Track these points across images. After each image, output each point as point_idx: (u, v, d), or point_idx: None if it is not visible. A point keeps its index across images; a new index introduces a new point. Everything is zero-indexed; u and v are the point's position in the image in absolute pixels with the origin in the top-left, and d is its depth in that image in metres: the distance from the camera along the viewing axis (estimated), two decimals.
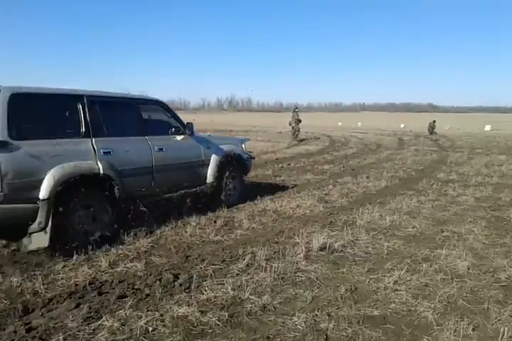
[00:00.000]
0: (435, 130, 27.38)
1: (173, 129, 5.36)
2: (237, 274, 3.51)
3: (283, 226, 4.96)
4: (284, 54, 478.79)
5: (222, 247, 4.19)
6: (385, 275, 3.45)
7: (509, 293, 3.17)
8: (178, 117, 5.55)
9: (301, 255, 3.90)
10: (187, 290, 3.16)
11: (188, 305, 2.89)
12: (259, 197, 6.46)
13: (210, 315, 2.76)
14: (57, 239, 3.77)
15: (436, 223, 5.20)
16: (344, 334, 2.56)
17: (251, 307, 2.91)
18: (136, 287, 3.21)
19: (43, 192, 3.70)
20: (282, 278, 3.44)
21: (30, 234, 3.69)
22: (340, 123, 48.35)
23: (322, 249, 4.11)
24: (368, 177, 8.72)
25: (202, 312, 2.81)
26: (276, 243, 4.33)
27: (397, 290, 3.20)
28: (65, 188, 3.82)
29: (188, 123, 5.50)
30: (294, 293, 3.16)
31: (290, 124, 19.87)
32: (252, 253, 3.97)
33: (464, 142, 19.85)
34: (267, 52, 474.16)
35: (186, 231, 4.66)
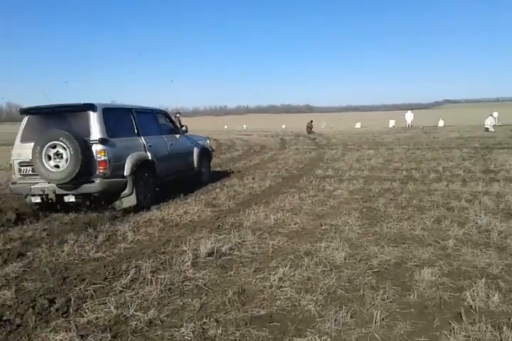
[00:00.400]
0: (313, 129, 29.17)
1: (173, 130, 8.15)
2: (121, 291, 3.35)
3: (170, 235, 4.87)
4: (166, 58, 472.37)
5: (104, 264, 3.97)
6: (270, 274, 3.56)
7: (381, 278, 3.47)
8: (174, 122, 8.47)
9: (189, 263, 3.85)
10: (64, 315, 2.93)
11: (66, 331, 2.68)
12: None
13: (91, 339, 2.59)
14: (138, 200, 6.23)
15: (316, 217, 5.51)
16: (232, 338, 2.58)
17: (136, 324, 2.79)
18: (4, 318, 2.89)
19: (127, 171, 6.14)
20: (169, 289, 3.36)
21: (122, 198, 6.08)
22: (226, 127, 49.20)
23: (210, 254, 4.11)
24: (253, 179, 8.96)
25: (82, 336, 2.62)
26: (163, 253, 4.23)
27: (281, 287, 3.32)
28: (136, 168, 6.26)
29: (181, 125, 8.72)
30: (181, 303, 3.11)
31: None
32: (136, 267, 3.82)
33: (338, 139, 21.44)
34: (143, 55, 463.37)
35: (63, 251, 4.34)
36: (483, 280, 3.24)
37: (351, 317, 2.81)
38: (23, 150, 6.07)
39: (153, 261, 3.95)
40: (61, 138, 5.65)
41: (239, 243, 4.48)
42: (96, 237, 4.83)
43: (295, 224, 5.19)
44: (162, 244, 4.54)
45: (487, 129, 23.97)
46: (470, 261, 3.77)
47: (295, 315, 2.88)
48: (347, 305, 2.98)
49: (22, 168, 6.15)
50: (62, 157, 5.72)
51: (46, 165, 5.77)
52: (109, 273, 3.74)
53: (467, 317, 2.72)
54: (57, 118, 6.21)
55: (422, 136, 21.60)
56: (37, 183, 5.97)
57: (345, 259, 3.89)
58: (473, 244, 4.22)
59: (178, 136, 8.06)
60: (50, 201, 5.95)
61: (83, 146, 5.66)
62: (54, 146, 5.74)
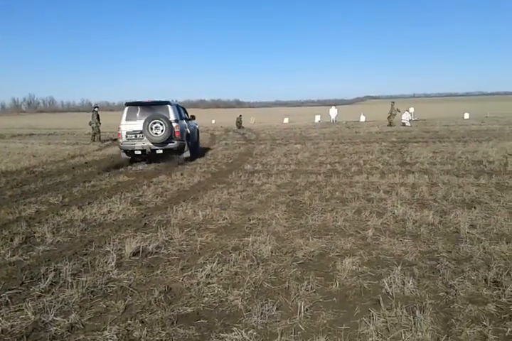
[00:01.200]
0: (242, 124, 29.34)
1: (186, 117, 12.47)
2: (39, 296, 3.17)
3: (93, 236, 4.67)
4: (95, 50, 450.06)
5: (21, 268, 3.72)
6: (197, 271, 3.54)
7: (305, 270, 3.58)
8: (186, 111, 12.84)
9: (113, 264, 3.72)
10: None
11: None
12: (64, 206, 5.96)
13: None
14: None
15: (245, 212, 5.56)
16: (158, 338, 2.53)
17: (56, 329, 2.66)
18: None
19: (184, 138, 11.08)
20: (92, 291, 3.23)
21: (183, 152, 11.10)
22: None
23: (135, 253, 4.00)
24: (182, 175, 8.83)
25: None
26: (85, 255, 4.05)
27: (209, 283, 3.32)
28: (186, 137, 11.23)
29: (191, 115, 13.34)
30: (105, 306, 3.00)
31: (90, 124, 18.90)
32: (56, 270, 3.63)
33: (266, 134, 21.75)
34: (74, 47, 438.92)
35: None
36: (399, 267, 3.45)
37: (277, 309, 2.87)
38: (127, 126, 10.78)
39: (75, 264, 3.77)
40: (160, 118, 10.48)
41: (166, 241, 4.41)
42: (12, 240, 4.52)
43: (223, 220, 5.19)
44: (84, 245, 4.34)
45: (404, 124, 25.50)
46: (387, 249, 4.01)
47: (222, 311, 2.89)
48: (273, 297, 3.05)
49: (128, 135, 10.71)
50: (159, 129, 10.46)
51: (151, 133, 10.46)
52: (26, 277, 3.52)
53: (385, 304, 2.89)
54: (148, 108, 10.98)
55: (345, 131, 22.52)
56: (135, 144, 10.69)
57: (271, 252, 3.97)
58: (390, 233, 4.48)
59: (189, 121, 12.61)
60: (147, 153, 10.74)
61: (170, 123, 10.52)
62: (155, 123, 10.47)
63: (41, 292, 3.24)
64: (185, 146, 11.08)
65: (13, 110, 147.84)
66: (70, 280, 3.39)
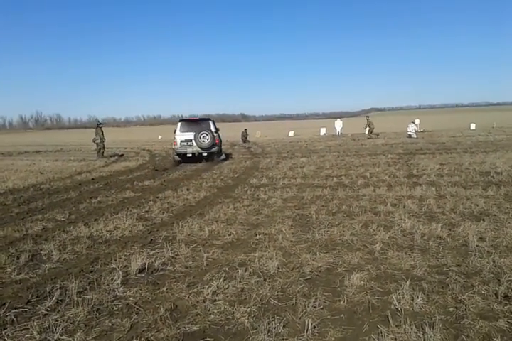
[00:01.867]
0: (248, 138, 29.43)
1: (215, 128, 15.22)
2: (45, 314, 3.16)
3: (99, 253, 4.66)
4: (94, 68, 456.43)
5: (27, 286, 3.72)
6: (204, 288, 3.51)
7: (313, 285, 3.55)
8: (215, 124, 15.58)
9: (119, 281, 3.71)
10: None
11: None
12: (71, 223, 5.98)
13: None
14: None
15: (251, 227, 5.54)
16: None
17: None
18: None
19: (220, 144, 16.08)
20: (98, 309, 3.22)
21: (221, 155, 15.85)
22: (160, 137, 48.20)
23: (141, 270, 3.99)
24: (188, 190, 8.84)
25: None
26: (91, 272, 4.04)
27: (215, 300, 3.29)
28: (220, 144, 16.06)
29: (217, 128, 15.55)
30: (110, 324, 2.98)
31: (94, 141, 19.05)
32: (62, 288, 3.63)
33: (272, 148, 21.77)
34: (77, 66, 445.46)
35: None
36: (408, 282, 3.41)
37: (284, 326, 2.83)
38: (181, 136, 14.71)
39: (81, 281, 3.77)
40: (207, 130, 14.52)
41: (172, 257, 4.39)
42: (18, 258, 4.53)
43: (230, 235, 5.17)
44: (90, 262, 4.33)
45: (410, 136, 25.44)
46: (396, 264, 3.96)
47: (228, 329, 2.85)
48: (280, 314, 3.01)
49: (182, 143, 14.70)
50: (206, 138, 14.44)
51: (200, 140, 14.45)
52: (32, 295, 3.52)
53: (394, 320, 2.84)
54: (195, 123, 15.06)
55: (350, 143, 22.49)
56: (187, 149, 14.65)
57: (278, 268, 3.94)
58: (398, 247, 4.43)
59: (215, 132, 15.17)
60: (196, 155, 14.70)
61: (212, 134, 14.51)
62: (203, 133, 14.43)
63: (47, 310, 3.23)
64: (221, 151, 16.08)
65: (20, 127, 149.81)
66: (75, 298, 3.38)
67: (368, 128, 27.30)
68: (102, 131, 18.78)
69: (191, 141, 14.61)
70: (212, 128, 14.88)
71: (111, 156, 19.28)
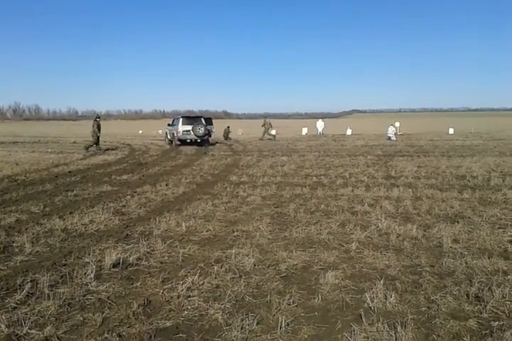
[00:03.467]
0: (230, 136, 29.35)
1: (207, 122, 22.73)
2: (15, 308, 3.08)
3: (73, 246, 4.57)
4: (77, 59, 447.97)
5: None
6: (178, 283, 3.48)
7: (288, 283, 3.55)
8: (211, 120, 25.13)
9: (92, 275, 3.65)
10: None
11: None
12: (45, 215, 5.85)
13: None
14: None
15: (229, 224, 5.51)
16: None
17: None
18: None
19: (210, 134, 23.53)
20: (69, 303, 3.15)
21: (209, 142, 23.05)
22: (141, 131, 47.70)
23: (115, 265, 3.93)
24: (167, 185, 8.75)
25: None
26: (64, 266, 3.96)
27: (189, 296, 3.26)
28: (209, 133, 23.04)
29: (206, 118, 23.44)
30: (82, 319, 2.92)
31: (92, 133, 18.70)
32: (33, 281, 3.55)
33: (253, 146, 21.77)
34: (58, 57, 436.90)
35: None
36: (382, 281, 3.44)
37: (258, 323, 2.83)
38: (183, 127, 21.35)
39: (53, 275, 3.69)
40: (201, 124, 21.62)
41: (147, 252, 4.34)
42: None
43: (207, 231, 5.14)
44: (63, 255, 4.25)
45: (389, 138, 25.76)
46: (371, 263, 4.00)
47: (202, 325, 2.83)
48: (254, 311, 3.00)
49: (183, 132, 21.36)
50: (201, 129, 21.34)
51: (197, 131, 21.27)
52: (1, 288, 3.43)
53: (367, 319, 2.86)
54: (192, 119, 22.13)
55: (331, 144, 22.65)
56: (187, 136, 21.48)
57: (254, 265, 3.93)
58: (374, 246, 4.48)
59: (210, 125, 23.27)
60: (193, 141, 21.48)
61: (205, 126, 21.63)
62: (198, 125, 21.40)
63: (16, 303, 3.15)
64: (209, 139, 22.88)
65: None
66: (47, 292, 3.31)
67: (264, 129, 28.54)
68: (98, 125, 18.47)
69: (190, 131, 21.40)
70: (203, 123, 21.90)
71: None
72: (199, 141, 21.51)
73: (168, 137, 23.93)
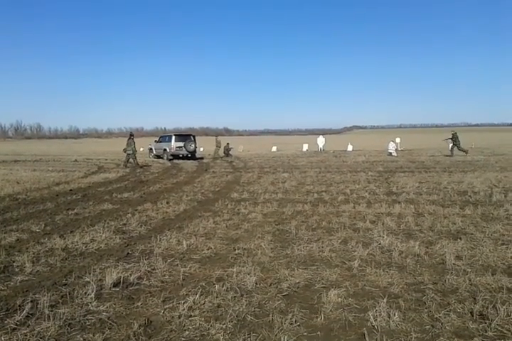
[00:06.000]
0: (230, 152, 29.47)
1: (194, 139, 26.25)
2: (14, 329, 3.05)
3: (73, 266, 4.55)
4: (78, 77, 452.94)
5: None
6: (179, 303, 3.45)
7: (290, 302, 3.51)
8: (195, 138, 26.58)
9: (92, 295, 3.62)
10: None
11: None
12: (46, 234, 5.84)
13: None
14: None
15: (230, 241, 5.49)
16: None
17: None
18: None
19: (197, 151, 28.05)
20: (69, 324, 3.12)
21: (198, 156, 27.90)
22: (142, 149, 47.84)
23: (116, 284, 3.90)
24: (167, 203, 8.75)
25: None
26: (65, 285, 3.93)
27: (191, 316, 3.22)
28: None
29: (193, 136, 26.63)
30: (82, 339, 2.90)
31: (125, 151, 19.90)
32: (33, 301, 3.51)
33: (254, 163, 21.82)
34: (60, 76, 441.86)
35: None
36: (385, 299, 3.41)
37: None
38: (176, 144, 24.96)
39: (53, 294, 3.66)
40: (192, 141, 25.38)
41: (148, 271, 4.31)
42: None
43: (208, 250, 5.12)
44: (64, 275, 4.22)
45: (390, 154, 25.84)
46: (373, 281, 3.96)
47: None
48: (256, 331, 2.97)
49: (176, 148, 24.90)
50: (192, 145, 25.09)
51: (188, 147, 24.95)
52: (1, 309, 3.40)
53: (370, 338, 2.83)
54: (184, 137, 25.76)
55: (332, 160, 22.71)
56: (179, 152, 25.01)
57: (256, 284, 3.90)
58: (376, 264, 4.44)
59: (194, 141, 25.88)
60: (184, 156, 25.19)
61: (195, 143, 25.62)
62: (189, 142, 25.12)
63: (16, 324, 3.12)
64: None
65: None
66: (47, 312, 3.28)
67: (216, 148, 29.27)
68: (134, 142, 19.73)
69: (182, 147, 24.77)
70: (194, 140, 25.54)
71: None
72: (190, 155, 25.17)
73: (154, 152, 27.68)
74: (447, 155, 23.47)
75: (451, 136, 24.41)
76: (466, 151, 23.99)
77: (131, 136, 20.40)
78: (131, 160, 19.72)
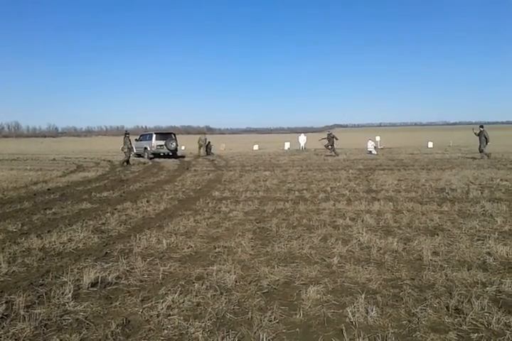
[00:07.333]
0: (212, 150, 29.34)
1: (175, 137, 26.29)
2: None
3: (51, 265, 4.48)
4: (57, 75, 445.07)
5: None
6: (158, 302, 3.42)
7: (270, 299, 3.52)
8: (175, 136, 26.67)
9: (69, 295, 3.57)
10: None
11: None
12: (22, 234, 5.73)
13: None
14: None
15: (210, 240, 5.48)
16: None
17: None
18: None
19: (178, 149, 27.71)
20: (45, 325, 3.07)
21: (179, 155, 27.00)
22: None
23: (94, 284, 3.86)
24: (148, 201, 8.67)
25: None
26: (41, 285, 3.87)
27: (169, 315, 3.20)
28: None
29: (174, 134, 26.75)
30: (58, 340, 2.84)
31: (123, 150, 20.03)
32: (8, 302, 3.45)
33: (236, 161, 21.78)
34: (38, 74, 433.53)
35: None
36: (363, 295, 3.44)
37: None
38: (157, 142, 24.76)
39: (29, 295, 3.60)
40: (173, 139, 25.25)
41: (127, 271, 4.27)
42: None
43: (188, 248, 5.09)
44: (41, 275, 4.15)
45: (370, 152, 26.10)
46: (352, 277, 4.00)
47: None
48: (235, 329, 2.97)
49: (157, 146, 24.69)
50: (173, 144, 24.92)
51: (169, 145, 24.75)
52: None
53: (348, 334, 2.85)
54: (164, 135, 25.70)
55: (313, 158, 22.84)
56: (160, 150, 24.79)
57: (236, 282, 3.89)
58: (355, 260, 4.49)
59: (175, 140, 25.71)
60: (165, 154, 24.96)
61: (176, 141, 25.41)
62: (171, 140, 24.97)
63: None
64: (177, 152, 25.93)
65: None
66: (22, 313, 3.22)
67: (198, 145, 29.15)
68: (129, 140, 19.86)
69: (163, 145, 24.72)
70: (174, 138, 25.48)
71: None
72: (171, 154, 25.13)
73: (135, 151, 25.69)
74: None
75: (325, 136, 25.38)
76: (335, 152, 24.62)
77: (127, 134, 20.40)
78: (131, 157, 20.03)
